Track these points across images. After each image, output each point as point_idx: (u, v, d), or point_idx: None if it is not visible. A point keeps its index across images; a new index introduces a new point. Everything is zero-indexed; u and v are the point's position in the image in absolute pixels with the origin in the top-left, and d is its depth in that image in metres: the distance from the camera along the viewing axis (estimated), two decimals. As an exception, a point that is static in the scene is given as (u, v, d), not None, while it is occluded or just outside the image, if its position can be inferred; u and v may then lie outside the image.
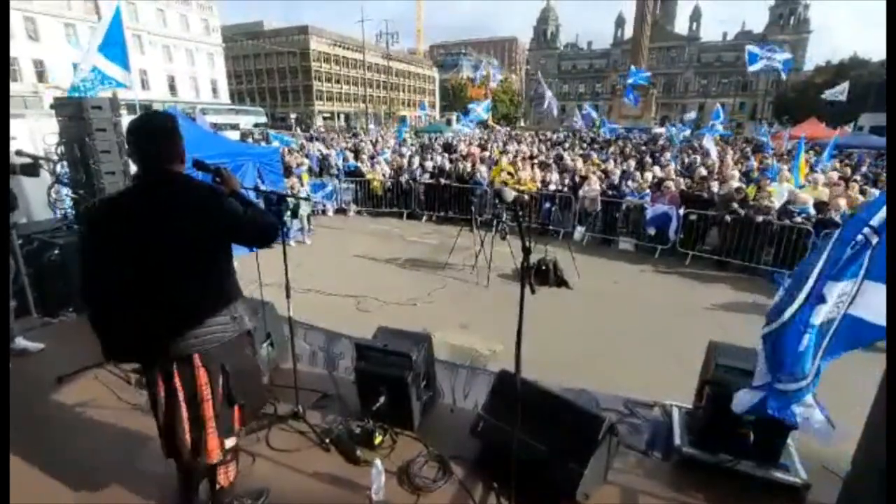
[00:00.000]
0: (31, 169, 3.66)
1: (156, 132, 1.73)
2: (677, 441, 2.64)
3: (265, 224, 1.83)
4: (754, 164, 13.37)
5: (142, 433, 2.71)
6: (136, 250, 1.64)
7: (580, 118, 30.29)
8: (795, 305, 1.80)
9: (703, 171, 11.08)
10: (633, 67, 29.34)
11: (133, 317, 1.67)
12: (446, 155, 14.71)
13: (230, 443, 1.91)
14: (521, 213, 1.82)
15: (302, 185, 10.00)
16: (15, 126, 6.28)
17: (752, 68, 13.98)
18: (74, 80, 5.88)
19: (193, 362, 1.72)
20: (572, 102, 54.27)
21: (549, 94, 22.04)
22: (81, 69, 5.81)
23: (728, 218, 7.68)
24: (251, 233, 1.80)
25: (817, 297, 1.75)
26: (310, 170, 12.10)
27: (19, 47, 33.50)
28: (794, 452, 2.46)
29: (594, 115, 30.82)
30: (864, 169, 13.77)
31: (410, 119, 46.62)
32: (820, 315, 1.76)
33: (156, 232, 1.63)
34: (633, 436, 2.90)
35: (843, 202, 7.26)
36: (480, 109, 22.35)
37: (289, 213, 8.79)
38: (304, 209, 9.11)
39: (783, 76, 13.67)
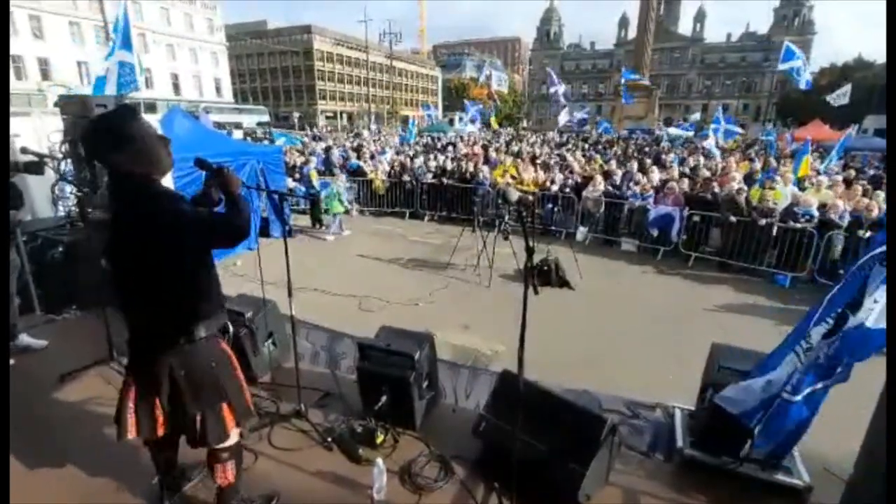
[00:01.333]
0: (36, 167, 3.67)
1: (109, 137, 1.65)
2: (679, 443, 2.64)
3: (225, 227, 1.69)
4: (758, 165, 13.33)
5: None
6: (106, 254, 1.78)
7: (567, 116, 30.33)
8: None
9: (707, 173, 11.05)
10: (623, 69, 29.19)
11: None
12: (449, 154, 14.71)
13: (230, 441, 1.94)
14: (524, 213, 1.82)
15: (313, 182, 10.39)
16: (20, 124, 6.32)
17: (783, 66, 13.76)
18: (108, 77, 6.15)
19: (147, 362, 1.81)
20: (576, 104, 54.08)
21: (561, 88, 21.76)
22: (110, 69, 6.02)
23: (733, 219, 7.66)
24: (211, 238, 1.72)
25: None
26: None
27: (24, 45, 33.65)
28: (796, 454, 2.46)
29: (580, 115, 30.75)
30: (870, 172, 13.71)
31: (415, 119, 46.66)
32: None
33: (117, 239, 1.71)
34: (634, 437, 2.90)
35: (840, 203, 7.24)
36: (475, 110, 22.57)
37: (333, 213, 9.71)
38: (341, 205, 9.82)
39: (802, 82, 13.35)
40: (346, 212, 10.06)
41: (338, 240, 9.42)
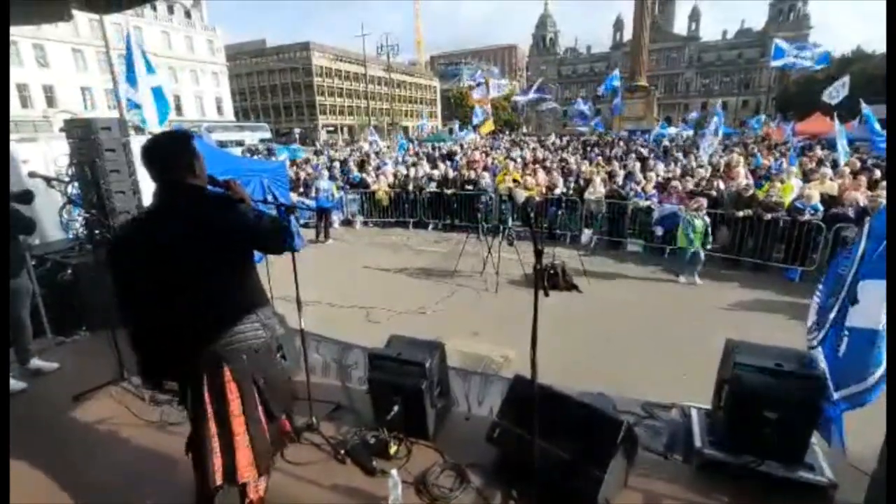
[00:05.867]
0: (24, 196, 3.71)
1: (162, 153, 1.81)
2: (697, 443, 2.59)
3: (279, 229, 1.88)
4: (762, 161, 13.24)
5: (157, 449, 2.71)
6: (162, 266, 1.70)
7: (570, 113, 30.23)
8: (835, 310, 1.79)
9: (709, 169, 11.00)
10: (614, 73, 28.54)
11: (166, 331, 1.74)
12: (450, 163, 14.74)
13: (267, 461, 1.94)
14: (531, 212, 1.81)
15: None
16: (28, 150, 6.41)
17: (775, 63, 13.49)
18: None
19: (223, 376, 1.74)
20: (574, 108, 53.95)
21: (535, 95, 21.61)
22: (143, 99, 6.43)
23: (740, 213, 7.61)
24: (268, 238, 1.85)
25: (851, 299, 1.73)
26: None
27: (30, 74, 34.32)
28: (819, 451, 2.41)
29: (585, 110, 30.63)
30: (869, 162, 13.58)
31: (413, 131, 46.93)
32: (853, 318, 1.73)
33: (178, 245, 1.69)
34: (651, 438, 2.85)
35: (858, 196, 7.13)
36: (476, 116, 22.74)
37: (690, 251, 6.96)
38: None
39: (812, 63, 12.82)
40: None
41: (346, 252, 9.36)
